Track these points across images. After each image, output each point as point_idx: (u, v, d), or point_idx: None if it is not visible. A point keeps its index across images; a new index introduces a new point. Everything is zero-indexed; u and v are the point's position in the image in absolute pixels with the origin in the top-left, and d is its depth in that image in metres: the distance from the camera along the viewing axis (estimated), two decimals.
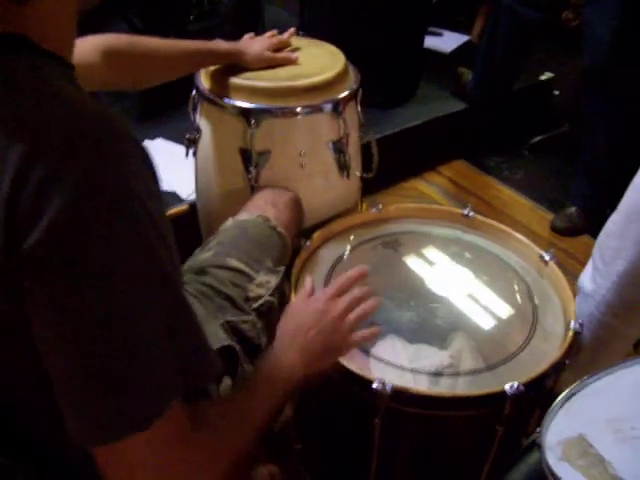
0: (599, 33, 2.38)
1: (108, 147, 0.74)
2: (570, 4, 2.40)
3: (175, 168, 2.25)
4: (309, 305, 1.14)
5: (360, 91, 1.74)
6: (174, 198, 2.32)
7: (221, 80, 1.65)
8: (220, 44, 1.65)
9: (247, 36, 1.74)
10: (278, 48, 1.73)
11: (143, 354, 0.76)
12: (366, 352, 1.34)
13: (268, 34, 1.76)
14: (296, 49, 1.76)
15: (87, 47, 1.34)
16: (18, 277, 0.72)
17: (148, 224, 0.76)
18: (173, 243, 0.83)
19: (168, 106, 2.62)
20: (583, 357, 1.64)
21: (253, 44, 1.69)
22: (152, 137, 2.64)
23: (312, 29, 3.06)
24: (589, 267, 1.67)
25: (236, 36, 2.79)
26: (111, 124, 0.76)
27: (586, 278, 1.66)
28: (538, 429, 1.06)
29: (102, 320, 0.73)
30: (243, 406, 0.96)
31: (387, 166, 2.03)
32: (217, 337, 1.20)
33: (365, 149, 1.85)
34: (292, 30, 1.78)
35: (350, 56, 1.81)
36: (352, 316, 1.13)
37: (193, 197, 2.07)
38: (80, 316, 0.72)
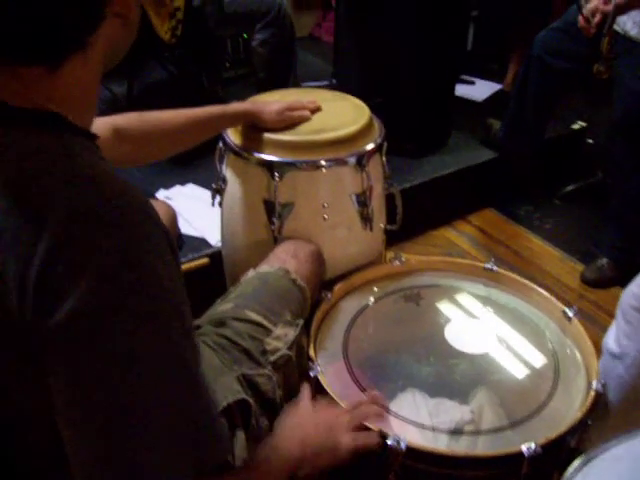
0: (630, 84, 2.38)
1: (132, 234, 0.78)
2: (601, 57, 2.39)
3: (205, 214, 2.28)
4: (313, 405, 1.20)
5: (385, 144, 1.75)
6: (203, 244, 2.35)
7: (247, 133, 1.68)
8: (234, 106, 1.65)
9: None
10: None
11: (154, 435, 0.78)
12: (385, 407, 1.34)
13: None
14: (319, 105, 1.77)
15: (99, 127, 1.34)
16: (41, 351, 0.76)
17: (169, 310, 0.80)
18: (189, 319, 0.86)
19: (200, 151, 2.65)
20: (614, 422, 1.60)
21: (271, 104, 1.68)
22: (183, 182, 2.67)
23: (344, 77, 3.12)
24: (613, 328, 1.63)
25: (270, 83, 2.85)
26: (134, 208, 0.80)
27: (611, 339, 1.63)
28: None
29: (117, 403, 0.76)
30: None
31: (416, 214, 2.03)
32: (232, 390, 1.21)
33: (390, 200, 1.86)
34: (314, 101, 1.75)
35: (381, 105, 1.81)
36: (354, 417, 1.19)
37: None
38: (96, 397, 0.76)
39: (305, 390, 1.23)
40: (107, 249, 0.75)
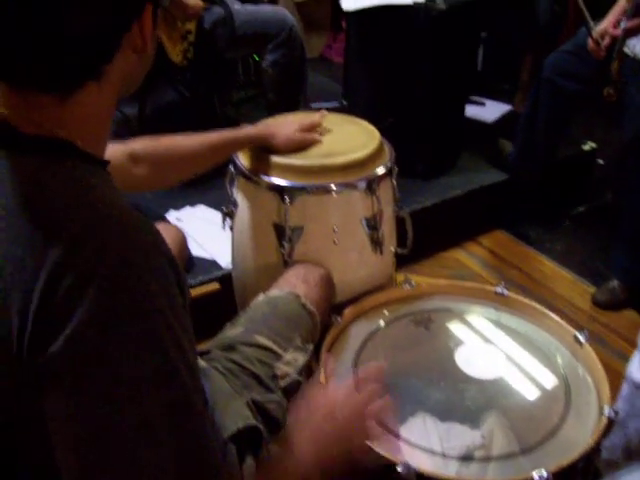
0: None
1: (132, 262, 0.78)
2: (611, 80, 2.40)
3: (215, 236, 2.28)
4: (325, 392, 1.14)
5: (395, 168, 1.75)
6: (213, 266, 2.36)
7: (257, 157, 1.68)
8: (246, 130, 1.67)
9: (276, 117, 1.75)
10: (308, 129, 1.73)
11: (157, 461, 0.78)
12: (395, 433, 1.33)
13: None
14: (329, 128, 1.78)
15: (114, 153, 1.30)
16: (39, 377, 0.76)
17: (168, 339, 0.80)
18: (191, 351, 0.86)
19: (210, 173, 2.65)
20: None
21: (283, 126, 1.69)
22: (194, 203, 2.68)
23: (354, 98, 3.13)
24: (637, 357, 1.61)
25: (280, 104, 2.86)
26: (137, 236, 0.81)
27: (635, 368, 1.60)
28: None
29: (114, 428, 0.76)
30: None
31: (427, 236, 2.03)
32: (242, 416, 1.20)
33: (401, 223, 1.85)
34: (324, 112, 1.79)
35: (391, 126, 1.81)
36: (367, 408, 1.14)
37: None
38: (92, 421, 0.76)
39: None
40: (109, 277, 0.76)
